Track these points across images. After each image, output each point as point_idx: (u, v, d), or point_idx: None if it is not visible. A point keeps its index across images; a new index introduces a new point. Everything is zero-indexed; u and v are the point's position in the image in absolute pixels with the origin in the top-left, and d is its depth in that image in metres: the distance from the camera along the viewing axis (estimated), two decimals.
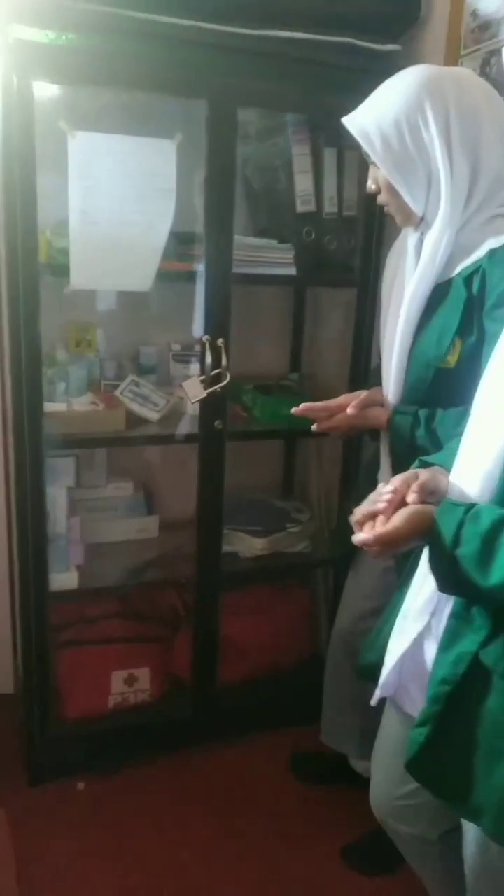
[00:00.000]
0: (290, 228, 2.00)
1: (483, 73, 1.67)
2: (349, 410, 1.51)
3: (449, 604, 1.05)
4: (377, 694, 1.18)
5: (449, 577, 0.95)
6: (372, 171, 1.42)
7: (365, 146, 1.35)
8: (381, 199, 1.43)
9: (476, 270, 1.35)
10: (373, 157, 1.36)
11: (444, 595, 1.03)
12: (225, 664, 2.12)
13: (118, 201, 1.69)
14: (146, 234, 1.73)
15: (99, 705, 2.06)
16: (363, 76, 1.73)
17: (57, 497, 1.95)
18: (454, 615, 1.03)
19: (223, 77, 1.68)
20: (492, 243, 1.34)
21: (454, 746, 1.02)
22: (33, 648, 1.88)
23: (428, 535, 0.97)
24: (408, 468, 1.13)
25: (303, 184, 1.97)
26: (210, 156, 1.73)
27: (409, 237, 1.48)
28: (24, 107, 1.56)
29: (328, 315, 2.36)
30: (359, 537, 0.99)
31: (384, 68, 1.75)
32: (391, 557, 1.52)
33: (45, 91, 1.61)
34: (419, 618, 1.09)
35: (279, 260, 1.95)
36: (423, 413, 1.43)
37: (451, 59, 1.75)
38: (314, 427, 1.57)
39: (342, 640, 1.86)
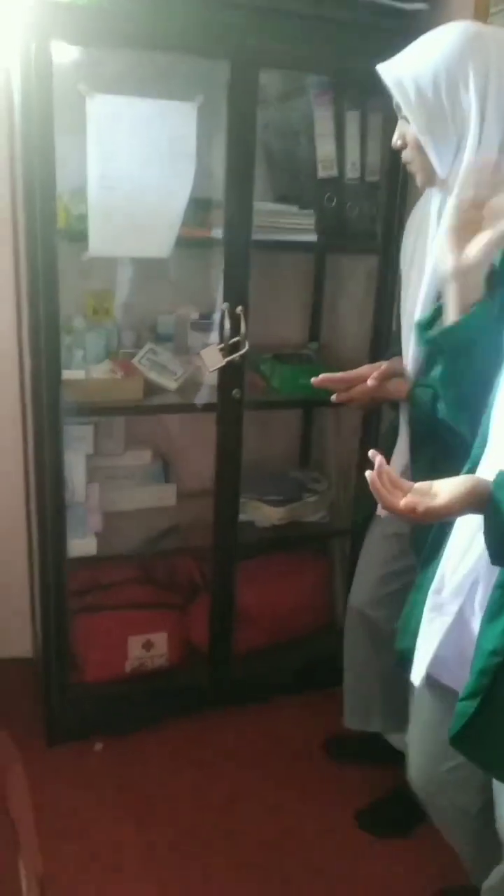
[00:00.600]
0: (311, 194, 1.97)
1: None
2: (369, 382, 1.49)
3: (493, 576, 1.04)
4: (422, 674, 1.16)
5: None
6: (400, 126, 1.37)
7: (398, 97, 1.30)
8: (406, 155, 1.39)
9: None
10: (404, 110, 1.31)
11: (486, 567, 1.03)
12: (241, 632, 2.14)
13: (137, 166, 1.67)
14: (165, 200, 1.71)
15: (116, 669, 2.09)
16: (389, 36, 1.69)
17: (75, 464, 1.96)
18: (499, 585, 1.02)
19: (246, 37, 1.64)
20: None
21: (501, 717, 1.02)
22: (52, 613, 1.91)
23: (481, 508, 0.96)
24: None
25: (324, 148, 1.93)
26: (231, 119, 1.70)
27: (431, 200, 1.44)
28: (43, 69, 1.54)
29: (349, 283, 2.33)
30: (404, 503, 0.98)
31: (410, 28, 1.72)
32: (405, 525, 1.53)
33: (64, 53, 1.58)
34: (459, 592, 1.09)
35: (299, 226, 1.93)
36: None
37: (480, 18, 1.70)
38: (333, 398, 1.56)
39: (358, 612, 1.86)
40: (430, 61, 1.27)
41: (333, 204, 1.97)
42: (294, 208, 1.94)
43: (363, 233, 2.02)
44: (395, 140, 1.39)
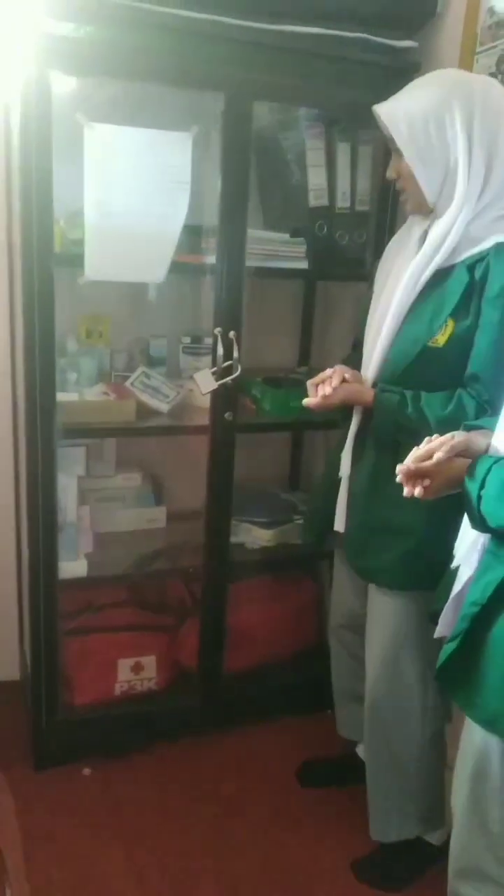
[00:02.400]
0: (303, 222, 2.01)
1: (498, 70, 1.68)
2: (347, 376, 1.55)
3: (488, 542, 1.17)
4: (438, 630, 1.31)
5: (474, 513, 1.11)
6: (394, 160, 1.51)
7: (392, 132, 1.44)
8: (400, 185, 1.53)
9: (481, 259, 1.43)
10: (397, 143, 1.44)
11: (484, 537, 1.17)
12: (231, 653, 2.14)
13: (133, 193, 1.70)
14: (161, 226, 1.74)
15: (105, 692, 2.08)
16: (379, 72, 1.77)
17: (67, 486, 1.96)
18: (487, 550, 1.17)
19: (240, 71, 1.69)
20: (499, 237, 1.42)
21: (477, 660, 1.15)
22: (42, 635, 1.90)
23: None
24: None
25: (316, 178, 1.98)
26: (225, 149, 1.74)
27: (413, 227, 1.56)
28: (42, 98, 1.58)
29: (338, 309, 2.38)
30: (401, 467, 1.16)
31: (400, 64, 1.79)
32: None
33: (63, 82, 1.62)
34: (469, 559, 1.21)
35: (291, 254, 1.96)
36: (408, 393, 1.48)
37: (467, 55, 1.76)
38: (305, 401, 1.58)
39: (335, 635, 1.93)
40: (420, 101, 1.42)
41: (324, 232, 2.02)
42: (285, 236, 1.98)
43: (353, 260, 2.07)
44: (390, 173, 1.53)
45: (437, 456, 1.14)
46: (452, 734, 1.65)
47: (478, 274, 1.42)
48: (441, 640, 1.30)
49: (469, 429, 1.22)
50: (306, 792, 2.00)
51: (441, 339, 1.45)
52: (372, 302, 1.62)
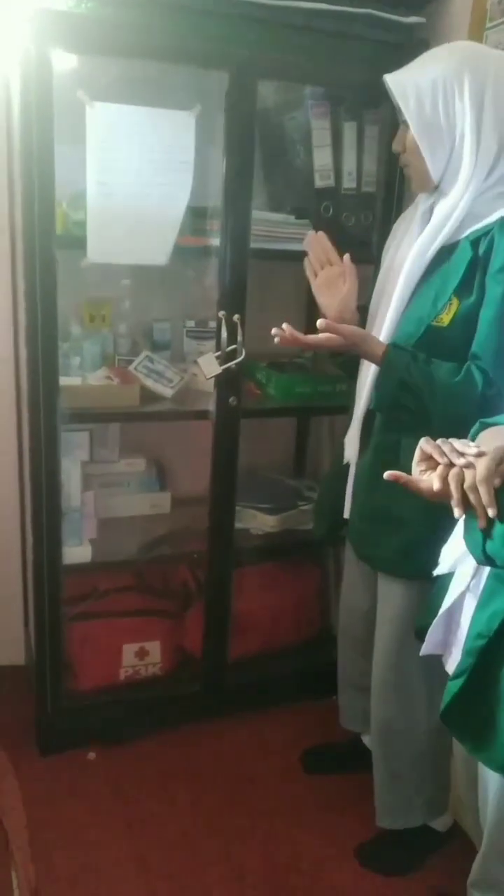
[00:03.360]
0: (308, 204, 1.98)
1: None
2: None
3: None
4: (424, 648, 1.26)
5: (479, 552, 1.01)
6: (401, 132, 1.47)
7: (399, 102, 1.40)
8: (404, 159, 1.49)
9: (485, 234, 1.39)
10: (404, 114, 1.41)
11: None
12: (235, 639, 2.13)
13: (136, 173, 1.67)
14: (164, 208, 1.72)
15: (110, 678, 2.08)
16: (387, 48, 1.73)
17: (71, 471, 1.95)
18: (492, 576, 1.09)
19: (244, 48, 1.66)
20: (503, 212, 1.39)
21: (486, 699, 1.06)
22: (46, 621, 1.90)
23: None
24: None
25: (322, 158, 1.94)
26: (229, 129, 1.71)
27: (419, 205, 1.53)
28: (43, 76, 1.55)
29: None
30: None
31: (408, 40, 1.75)
32: None
33: (64, 61, 1.59)
34: (463, 576, 1.15)
35: (297, 235, 1.93)
36: (420, 355, 1.43)
37: (476, 31, 1.72)
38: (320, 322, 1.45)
39: (343, 630, 1.91)
40: (429, 71, 1.38)
41: (330, 213, 1.98)
42: (290, 217, 1.95)
43: (359, 242, 2.04)
44: (395, 146, 1.50)
45: (495, 483, 0.96)
46: None
47: (482, 249, 1.39)
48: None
49: (485, 425, 1.10)
50: (311, 778, 2.00)
51: (446, 318, 1.41)
52: (378, 280, 1.60)
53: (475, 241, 1.40)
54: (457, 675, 1.11)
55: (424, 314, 1.44)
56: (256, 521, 2.20)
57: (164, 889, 1.66)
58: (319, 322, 1.43)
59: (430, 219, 1.47)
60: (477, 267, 1.39)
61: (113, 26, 1.57)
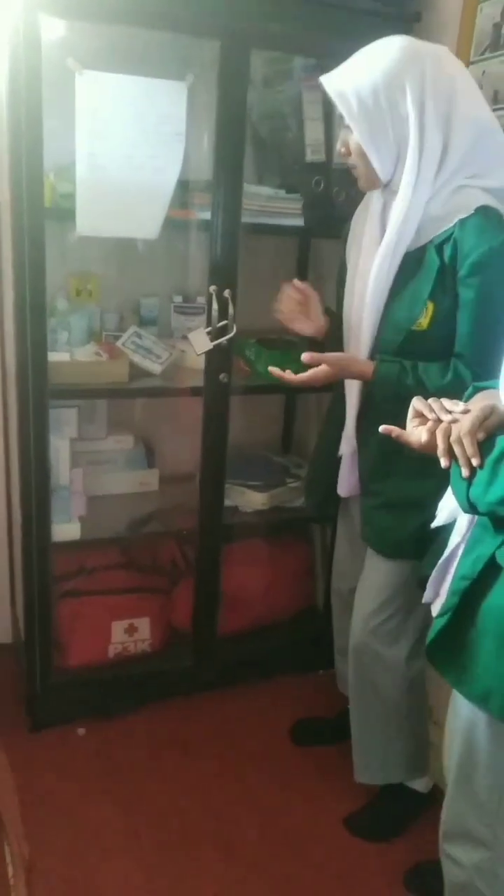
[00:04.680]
0: (299, 178, 1.96)
1: (503, 19, 1.63)
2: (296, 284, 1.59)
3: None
4: (425, 596, 1.31)
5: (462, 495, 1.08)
6: (343, 134, 1.47)
7: (341, 108, 1.39)
8: (350, 161, 1.48)
9: (447, 239, 1.41)
10: (347, 119, 1.39)
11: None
12: (225, 615, 2.14)
13: (126, 144, 1.65)
14: (154, 180, 1.69)
15: (99, 654, 2.08)
16: (378, 20, 1.71)
17: (59, 448, 1.94)
18: (478, 524, 1.15)
19: (237, 17, 1.63)
20: (461, 214, 1.40)
21: (467, 635, 1.13)
22: (35, 598, 1.89)
23: None
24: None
25: (313, 132, 1.92)
26: (221, 100, 1.69)
27: (372, 202, 1.53)
28: (31, 43, 1.52)
29: (334, 267, 2.32)
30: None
31: (399, 12, 1.73)
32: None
33: (53, 28, 1.55)
34: (459, 533, 1.20)
35: (287, 210, 1.92)
36: (406, 363, 1.47)
37: (471, 3, 1.70)
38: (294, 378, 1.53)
39: (338, 597, 1.92)
40: (369, 73, 1.36)
41: (321, 188, 1.97)
42: (281, 192, 1.93)
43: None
44: (339, 147, 1.49)
45: (481, 436, 1.05)
46: (439, 686, 1.67)
47: (447, 254, 1.41)
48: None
49: (478, 389, 1.19)
50: (300, 750, 2.03)
51: (424, 321, 1.45)
52: (347, 285, 1.60)
53: (439, 247, 1.42)
54: (442, 614, 1.17)
55: (402, 320, 1.47)
56: (245, 499, 2.20)
57: (155, 862, 1.67)
58: (304, 356, 1.49)
59: (385, 218, 1.48)
60: (446, 273, 1.42)
61: None
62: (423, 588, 1.32)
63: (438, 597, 1.29)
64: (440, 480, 1.19)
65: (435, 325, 1.44)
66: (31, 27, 1.50)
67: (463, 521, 1.20)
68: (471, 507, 1.06)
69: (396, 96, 1.34)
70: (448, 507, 1.23)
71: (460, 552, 1.22)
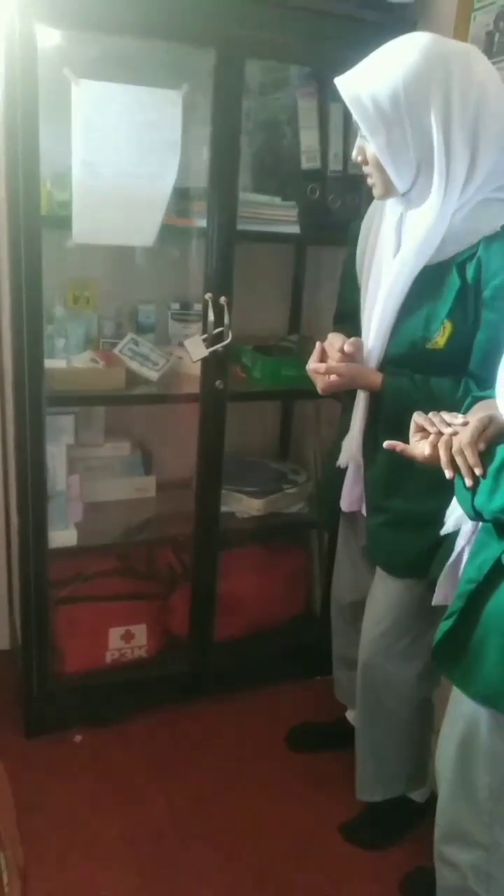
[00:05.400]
0: (294, 185, 1.97)
1: (496, 27, 1.64)
2: (346, 348, 1.44)
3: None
4: (435, 598, 1.34)
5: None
6: (359, 142, 1.35)
7: (357, 115, 1.28)
8: (366, 170, 1.38)
9: (470, 258, 1.33)
10: (363, 128, 1.29)
11: None
12: (221, 621, 2.14)
13: (122, 152, 1.65)
14: (150, 188, 1.70)
15: (96, 660, 2.08)
16: (374, 28, 1.72)
17: (56, 454, 1.94)
18: (483, 529, 1.17)
19: (232, 26, 1.64)
20: (485, 231, 1.31)
21: (473, 637, 1.15)
22: (32, 604, 1.89)
23: None
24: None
25: (308, 140, 1.93)
26: (216, 108, 1.69)
27: (387, 212, 1.44)
28: (28, 53, 1.52)
29: (330, 275, 2.33)
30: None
31: (396, 21, 1.75)
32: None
33: (50, 38, 1.56)
34: (465, 537, 1.22)
35: (283, 217, 1.93)
36: (417, 377, 1.41)
37: (464, 12, 1.71)
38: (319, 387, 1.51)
39: (338, 609, 1.91)
40: (389, 79, 1.23)
41: (316, 196, 1.98)
42: (276, 199, 1.94)
43: (345, 225, 2.03)
44: (355, 155, 1.38)
45: (479, 447, 1.06)
46: (439, 698, 1.67)
47: (469, 274, 1.33)
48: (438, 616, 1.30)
49: (476, 399, 1.19)
50: (295, 757, 2.02)
51: (441, 340, 1.37)
52: (361, 292, 1.53)
53: (461, 266, 1.34)
54: (448, 616, 1.19)
55: (417, 337, 1.39)
56: (242, 505, 2.21)
57: (151, 869, 1.67)
58: (316, 366, 1.46)
59: (402, 230, 1.40)
60: (468, 292, 1.34)
61: (99, 1, 1.54)
62: (431, 591, 1.34)
63: (449, 602, 1.30)
64: (447, 497, 1.19)
65: (451, 344, 1.37)
66: (28, 37, 1.51)
67: (468, 525, 1.22)
68: (476, 515, 1.08)
69: (419, 106, 1.22)
70: (454, 516, 1.24)
71: (466, 554, 1.23)
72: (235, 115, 1.71)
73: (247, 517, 2.21)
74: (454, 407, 1.30)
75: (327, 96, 1.92)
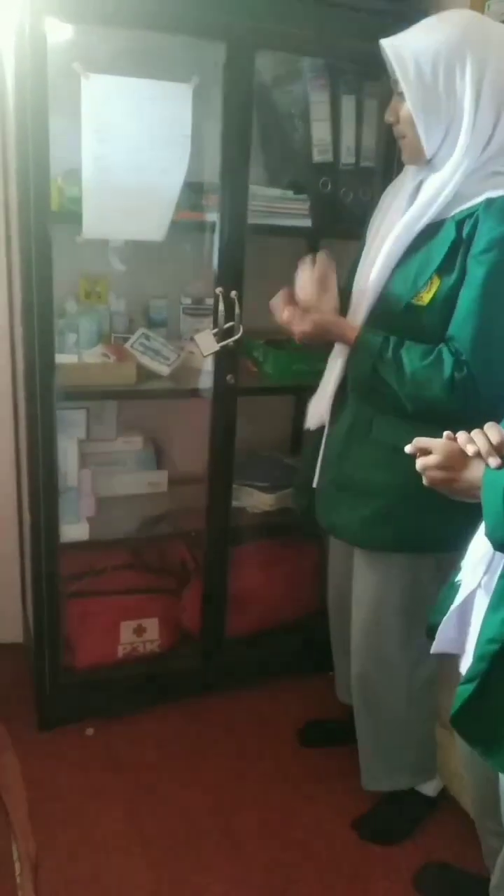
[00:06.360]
0: (306, 179, 1.96)
1: None
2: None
3: (502, 563, 1.07)
4: (435, 646, 1.23)
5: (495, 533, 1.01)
6: (394, 102, 1.42)
7: (398, 72, 1.34)
8: (398, 130, 1.44)
9: (470, 215, 1.37)
10: (402, 84, 1.35)
11: (499, 554, 1.06)
12: (233, 616, 2.14)
13: (132, 147, 1.65)
14: (161, 182, 1.70)
15: (108, 654, 2.09)
16: (385, 20, 1.70)
17: (68, 449, 1.95)
18: (503, 577, 1.06)
19: (242, 18, 1.63)
20: (490, 193, 1.36)
21: (498, 704, 1.05)
22: (44, 599, 1.90)
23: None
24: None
25: (320, 132, 1.92)
26: (227, 101, 1.69)
27: (407, 180, 1.50)
28: (37, 47, 1.52)
29: (341, 268, 2.32)
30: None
31: (407, 11, 1.72)
32: None
33: (59, 32, 1.56)
34: (475, 571, 1.13)
35: (294, 211, 1.92)
36: (392, 338, 1.43)
37: (478, 1, 1.69)
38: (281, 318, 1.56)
39: (332, 602, 1.92)
40: (431, 44, 1.32)
41: (328, 189, 1.96)
42: (288, 193, 1.93)
43: (357, 218, 2.01)
44: (388, 116, 1.44)
45: (494, 463, 1.02)
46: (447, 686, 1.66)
47: (466, 230, 1.36)
48: (425, 608, 1.26)
49: None
50: (307, 752, 2.02)
51: (426, 296, 1.40)
52: (362, 254, 1.57)
53: (460, 222, 1.37)
54: (468, 680, 1.08)
55: (404, 292, 1.43)
56: (253, 500, 2.20)
57: (162, 861, 1.68)
58: (282, 313, 1.52)
59: (416, 195, 1.44)
60: (460, 247, 1.37)
61: None
62: (432, 637, 1.24)
63: (465, 654, 1.20)
64: (405, 474, 1.18)
65: (435, 302, 1.39)
66: (37, 31, 1.51)
67: (478, 562, 1.13)
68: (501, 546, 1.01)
69: (455, 70, 1.30)
70: (474, 557, 1.15)
71: (477, 600, 1.15)
72: (246, 108, 1.71)
73: (258, 512, 2.20)
74: (417, 372, 1.37)
75: (339, 89, 1.91)
